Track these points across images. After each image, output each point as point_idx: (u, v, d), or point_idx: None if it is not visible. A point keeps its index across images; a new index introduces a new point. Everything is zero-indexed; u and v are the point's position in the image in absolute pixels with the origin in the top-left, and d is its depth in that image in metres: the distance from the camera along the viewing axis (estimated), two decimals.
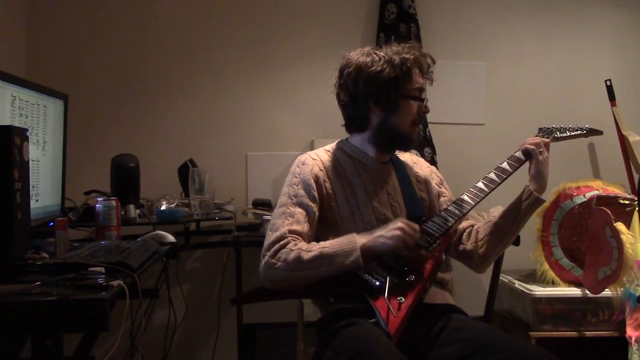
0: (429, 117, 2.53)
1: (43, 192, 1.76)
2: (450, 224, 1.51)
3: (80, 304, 1.13)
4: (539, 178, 1.54)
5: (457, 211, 1.53)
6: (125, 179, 2.22)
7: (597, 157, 2.84)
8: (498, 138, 2.70)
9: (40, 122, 1.74)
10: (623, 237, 2.05)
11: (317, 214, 1.53)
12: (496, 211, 1.84)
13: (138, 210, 2.17)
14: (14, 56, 2.45)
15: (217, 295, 2.56)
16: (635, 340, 2.04)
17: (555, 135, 1.67)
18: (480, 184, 1.56)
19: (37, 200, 1.69)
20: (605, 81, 2.73)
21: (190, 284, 2.62)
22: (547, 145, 1.58)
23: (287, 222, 1.47)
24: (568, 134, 1.69)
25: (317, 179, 1.55)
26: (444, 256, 1.55)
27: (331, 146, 1.68)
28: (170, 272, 2.15)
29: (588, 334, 2.27)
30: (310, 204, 1.51)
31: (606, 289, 2.12)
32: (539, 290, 2.30)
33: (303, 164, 1.59)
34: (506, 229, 1.55)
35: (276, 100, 2.68)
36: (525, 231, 1.99)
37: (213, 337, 2.52)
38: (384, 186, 1.60)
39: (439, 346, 1.35)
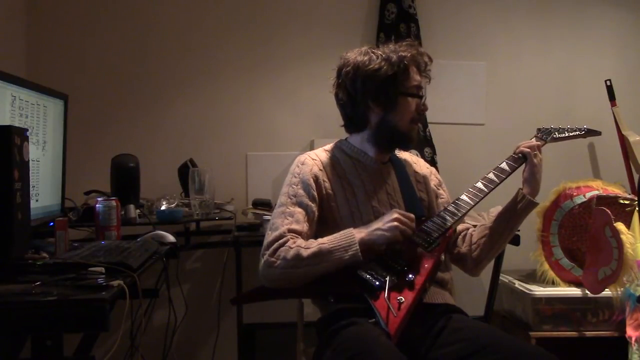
0: (429, 117, 2.53)
1: (43, 192, 1.76)
2: (449, 224, 1.51)
3: (80, 304, 1.13)
4: (533, 181, 1.54)
5: (456, 211, 1.53)
6: (125, 179, 2.22)
7: (597, 157, 2.84)
8: (498, 138, 2.70)
9: (40, 122, 1.74)
10: (623, 237, 2.05)
11: (316, 213, 1.53)
12: (495, 211, 1.84)
13: (138, 210, 2.17)
14: (14, 56, 2.45)
15: (217, 295, 2.57)
16: (635, 340, 2.04)
17: (554, 136, 1.67)
18: (479, 184, 1.57)
19: (37, 200, 1.69)
20: (605, 81, 2.73)
21: (190, 284, 2.62)
22: (539, 147, 1.58)
23: (287, 221, 1.47)
24: (567, 134, 1.69)
25: (316, 179, 1.55)
26: (443, 256, 1.55)
27: (330, 146, 1.68)
28: (170, 272, 2.15)
29: (588, 334, 2.27)
30: (310, 203, 1.51)
31: (606, 289, 2.12)
32: (539, 290, 2.31)
33: (303, 164, 1.59)
34: (499, 232, 1.55)
35: (276, 100, 2.68)
36: (525, 231, 2.00)
37: (213, 337, 2.52)
38: (383, 186, 1.60)
39: (439, 346, 1.35)
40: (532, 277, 2.47)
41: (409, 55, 1.54)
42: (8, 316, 1.12)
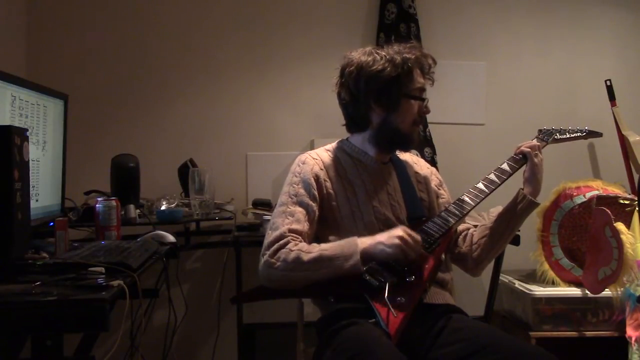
0: (429, 117, 2.52)
1: (43, 192, 1.76)
2: (450, 225, 1.51)
3: (80, 304, 1.13)
4: (534, 181, 1.54)
5: (457, 212, 1.53)
6: (125, 179, 2.22)
7: (597, 157, 2.84)
8: (498, 138, 2.69)
9: (40, 122, 1.74)
10: (623, 237, 2.05)
11: (317, 213, 1.52)
12: (496, 211, 1.84)
13: (138, 210, 2.17)
14: (14, 56, 2.45)
15: (217, 295, 2.57)
16: (635, 340, 2.04)
17: (555, 137, 1.68)
18: (480, 185, 1.57)
19: (37, 200, 1.69)
20: (605, 81, 2.73)
21: (190, 284, 2.62)
22: (540, 147, 1.58)
23: (287, 221, 1.47)
24: (568, 135, 1.70)
25: (317, 179, 1.55)
26: (443, 256, 1.55)
27: (332, 146, 1.68)
28: (170, 272, 2.15)
29: (588, 334, 2.27)
30: (311, 203, 1.51)
31: (606, 289, 2.12)
32: (539, 290, 2.30)
33: (303, 163, 1.59)
34: (500, 232, 1.55)
35: (276, 100, 2.68)
36: (525, 231, 2.00)
37: (213, 337, 2.52)
38: (384, 186, 1.60)
39: (439, 346, 1.35)
40: (532, 277, 2.46)
41: (413, 57, 1.54)
42: (8, 316, 1.12)
